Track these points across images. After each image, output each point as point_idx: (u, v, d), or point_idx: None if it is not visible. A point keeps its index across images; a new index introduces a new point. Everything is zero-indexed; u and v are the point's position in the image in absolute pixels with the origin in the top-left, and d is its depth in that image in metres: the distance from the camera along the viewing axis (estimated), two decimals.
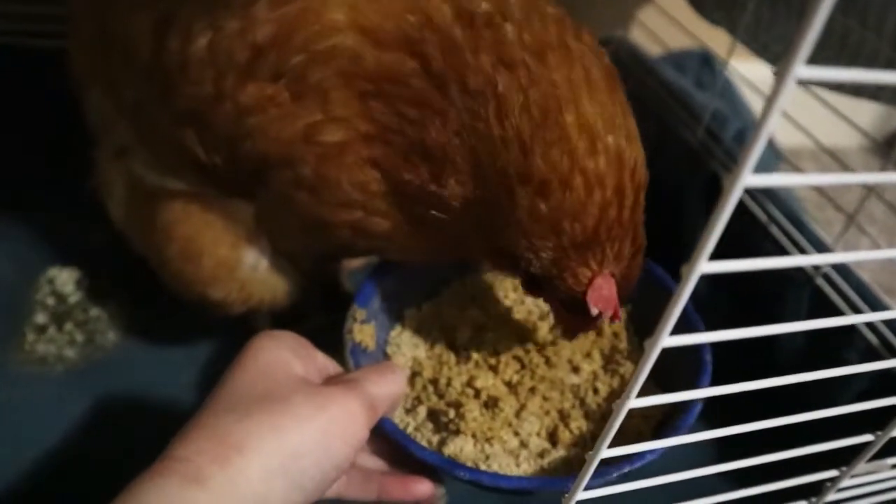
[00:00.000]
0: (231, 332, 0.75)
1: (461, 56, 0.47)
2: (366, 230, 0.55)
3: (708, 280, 0.80)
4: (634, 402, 0.31)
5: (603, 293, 0.49)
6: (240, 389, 0.43)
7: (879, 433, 0.45)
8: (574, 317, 0.53)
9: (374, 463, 0.54)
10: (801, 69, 0.22)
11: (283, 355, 0.46)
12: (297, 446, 0.40)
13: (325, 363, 0.51)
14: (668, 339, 0.28)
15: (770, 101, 0.22)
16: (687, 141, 0.85)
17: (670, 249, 0.60)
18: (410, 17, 0.48)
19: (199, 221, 0.62)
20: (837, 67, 0.24)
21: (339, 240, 0.57)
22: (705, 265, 0.26)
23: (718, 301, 0.76)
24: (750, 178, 0.24)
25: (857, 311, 0.66)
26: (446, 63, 0.47)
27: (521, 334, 0.63)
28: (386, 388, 0.48)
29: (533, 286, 0.53)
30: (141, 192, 0.64)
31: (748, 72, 0.83)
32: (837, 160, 0.71)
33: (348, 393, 0.44)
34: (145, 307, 0.81)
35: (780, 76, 0.22)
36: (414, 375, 0.61)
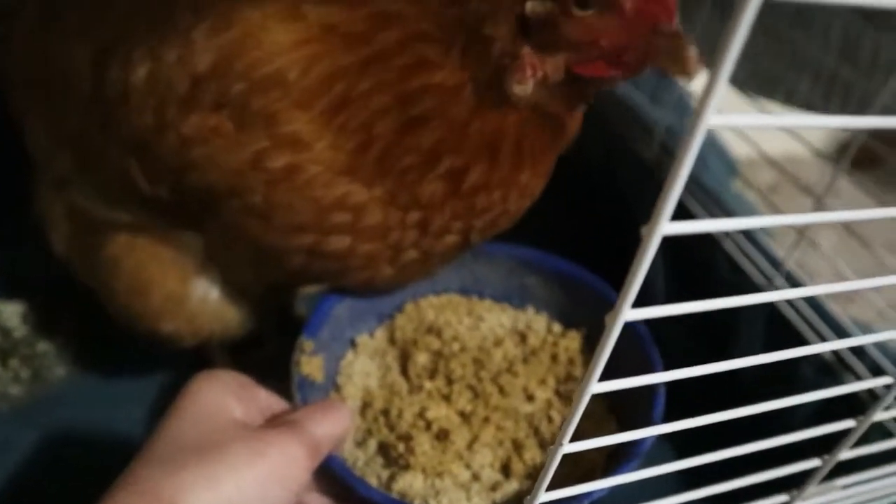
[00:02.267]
0: (184, 363, 0.73)
1: None
2: (321, 253, 0.54)
3: (665, 293, 0.80)
4: (568, 447, 0.31)
5: None
6: (175, 438, 0.42)
7: (826, 457, 0.45)
8: (600, 55, 0.46)
9: (320, 502, 0.53)
10: (713, 119, 0.21)
11: (221, 398, 0.45)
12: (233, 497, 0.39)
13: (268, 402, 0.50)
14: (596, 386, 0.27)
15: (683, 151, 0.22)
16: (641, 156, 0.85)
17: (623, 261, 0.59)
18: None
19: (145, 254, 0.61)
20: (751, 114, 0.23)
21: (294, 266, 0.56)
22: (630, 313, 0.25)
23: (675, 317, 0.76)
24: (668, 226, 0.23)
25: (811, 325, 0.66)
26: None
27: (477, 360, 0.62)
28: (330, 426, 0.47)
29: (539, 38, 0.47)
30: (84, 224, 0.62)
31: (696, 84, 0.83)
32: (788, 173, 0.71)
33: (289, 436, 0.43)
34: (94, 341, 0.79)
35: (691, 129, 0.21)
36: (365, 406, 0.60)
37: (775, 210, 0.76)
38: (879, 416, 0.43)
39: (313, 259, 0.55)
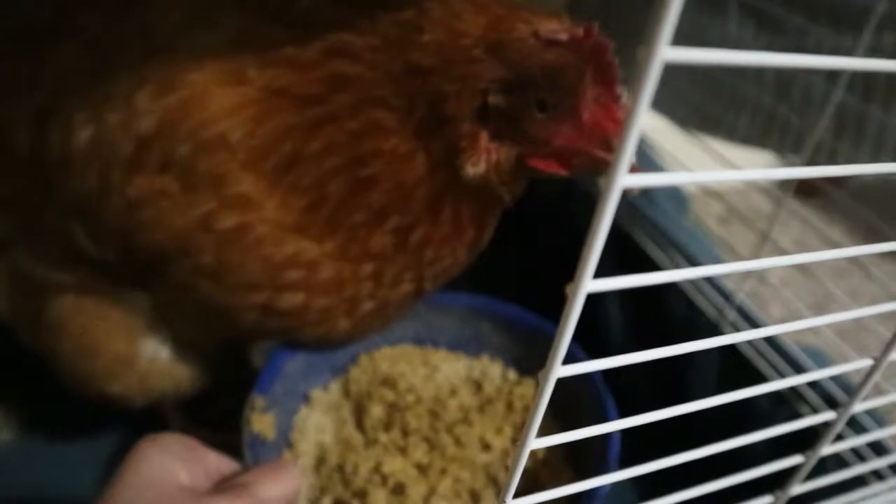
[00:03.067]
0: (136, 422, 0.71)
1: None
2: (275, 310, 0.54)
3: (621, 329, 0.80)
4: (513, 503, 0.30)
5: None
6: None
7: (779, 493, 0.45)
8: (564, 131, 0.48)
9: None
10: (627, 179, 0.22)
11: (167, 464, 0.44)
12: None
13: (217, 464, 0.48)
14: (534, 442, 0.27)
15: (599, 213, 0.22)
16: (593, 194, 0.86)
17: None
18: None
19: (92, 315, 0.60)
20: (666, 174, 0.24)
21: (247, 324, 0.55)
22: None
23: (629, 350, 0.76)
24: (591, 284, 0.23)
25: (763, 356, 0.67)
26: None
27: (432, 411, 0.61)
28: (280, 488, 0.46)
29: (497, 127, 0.49)
30: (27, 286, 0.61)
31: (644, 123, 0.84)
32: (731, 205, 0.72)
33: (236, 501, 0.42)
34: (42, 403, 0.77)
35: (604, 191, 0.21)
36: (320, 463, 0.59)
37: (727, 242, 0.77)
38: (828, 449, 0.43)
39: (267, 316, 0.55)
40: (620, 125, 0.46)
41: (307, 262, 0.52)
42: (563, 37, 0.44)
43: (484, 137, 0.49)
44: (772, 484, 0.45)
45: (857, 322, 0.37)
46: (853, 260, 1.05)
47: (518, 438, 0.60)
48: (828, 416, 0.40)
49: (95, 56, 0.52)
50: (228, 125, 0.49)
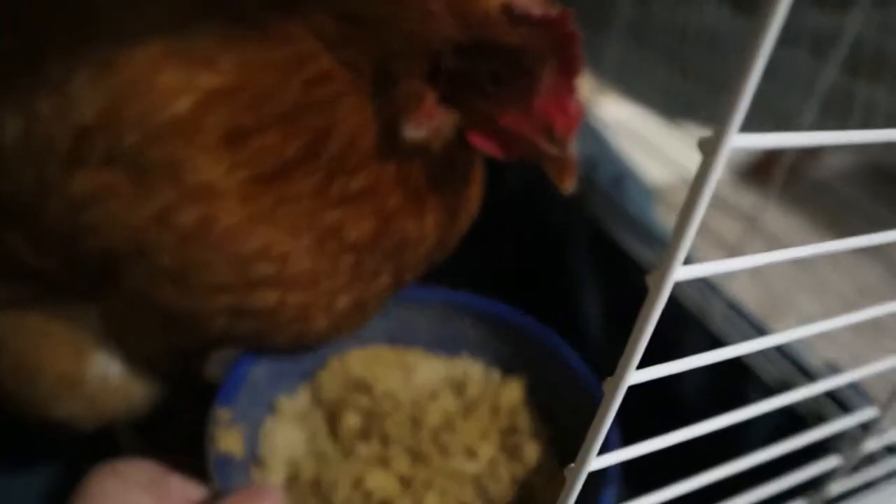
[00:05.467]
0: (86, 447, 0.65)
1: None
2: (247, 311, 0.49)
3: (602, 330, 0.78)
4: None
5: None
6: None
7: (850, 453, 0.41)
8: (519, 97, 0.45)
9: None
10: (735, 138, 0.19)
11: (126, 496, 0.39)
12: None
13: (184, 491, 0.44)
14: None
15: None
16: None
17: (555, 297, 0.56)
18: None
19: (32, 332, 0.54)
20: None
21: (214, 330, 0.51)
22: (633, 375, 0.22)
23: (614, 351, 0.74)
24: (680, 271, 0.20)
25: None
26: None
27: (413, 417, 0.57)
28: None
29: (448, 95, 0.46)
30: None
31: (611, 112, 0.83)
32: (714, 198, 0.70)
33: None
34: None
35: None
36: (292, 480, 0.54)
37: (704, 234, 0.75)
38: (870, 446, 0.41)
39: (237, 319, 0.50)
40: (571, 119, 0.44)
41: (280, 253, 0.48)
42: (536, 14, 0.41)
43: (430, 98, 0.46)
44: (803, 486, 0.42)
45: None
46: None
47: (507, 443, 0.56)
48: (868, 414, 0.38)
49: (21, 38, 0.47)
50: (180, 106, 0.44)
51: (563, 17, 0.41)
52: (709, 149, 0.18)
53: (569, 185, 0.44)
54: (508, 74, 0.44)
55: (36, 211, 0.46)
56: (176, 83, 0.44)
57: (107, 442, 0.63)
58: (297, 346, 0.57)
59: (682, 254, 0.21)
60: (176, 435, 0.65)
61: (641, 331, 0.21)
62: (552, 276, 0.80)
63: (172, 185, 0.44)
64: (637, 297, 0.71)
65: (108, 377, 0.56)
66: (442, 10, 0.42)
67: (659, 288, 0.20)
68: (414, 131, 0.46)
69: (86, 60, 0.44)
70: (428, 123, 0.46)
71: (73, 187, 0.45)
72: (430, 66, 0.45)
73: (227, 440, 0.52)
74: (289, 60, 0.45)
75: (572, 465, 0.25)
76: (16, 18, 0.47)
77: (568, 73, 0.44)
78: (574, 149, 0.44)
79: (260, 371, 0.58)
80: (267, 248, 0.47)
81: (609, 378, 0.23)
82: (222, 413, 0.53)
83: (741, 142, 0.18)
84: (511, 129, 0.46)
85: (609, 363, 0.63)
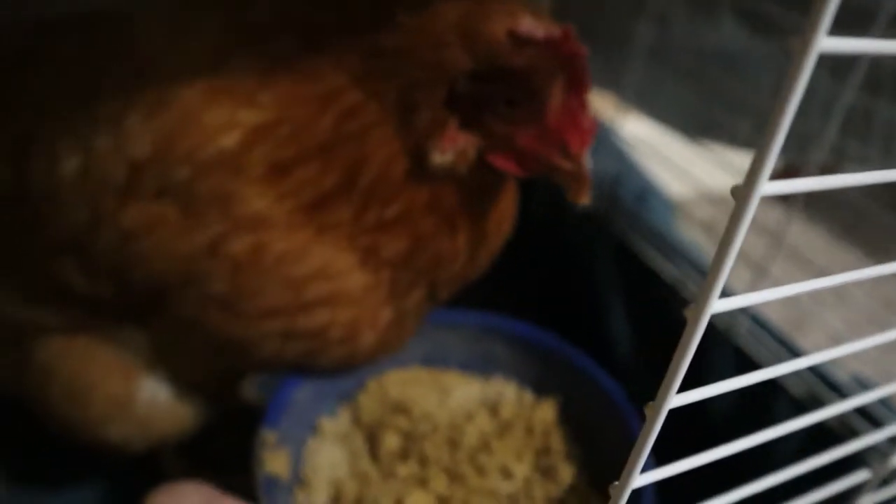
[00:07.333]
0: (132, 468, 0.67)
1: None
2: (298, 333, 0.51)
3: (630, 347, 0.79)
4: None
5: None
6: None
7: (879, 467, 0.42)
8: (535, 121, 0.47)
9: None
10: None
11: None
12: None
13: None
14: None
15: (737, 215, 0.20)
16: (588, 209, 0.84)
17: (582, 315, 0.57)
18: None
19: (83, 356, 0.56)
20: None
21: (264, 354, 0.52)
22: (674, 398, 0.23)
23: (642, 367, 0.75)
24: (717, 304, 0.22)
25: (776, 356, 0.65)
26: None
27: (450, 439, 0.59)
28: None
29: (468, 118, 0.48)
30: (8, 329, 0.57)
31: (634, 130, 0.84)
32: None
33: None
34: (32, 454, 0.72)
35: (751, 180, 0.20)
36: (335, 501, 0.55)
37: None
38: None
39: (288, 342, 0.51)
40: (584, 134, 0.45)
41: (336, 272, 0.50)
42: (540, 36, 0.43)
43: (453, 124, 0.47)
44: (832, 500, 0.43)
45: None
46: (838, 259, 1.06)
47: (540, 464, 0.58)
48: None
49: (77, 79, 0.49)
50: (227, 142, 0.46)
51: (566, 35, 0.43)
52: (741, 196, 0.20)
53: (584, 199, 0.46)
54: (521, 95, 0.46)
55: (89, 241, 0.48)
56: (221, 119, 0.46)
57: (150, 463, 0.65)
58: (343, 367, 0.59)
59: (718, 289, 0.22)
60: (216, 455, 0.67)
61: (681, 359, 0.23)
62: (579, 292, 0.81)
63: (222, 216, 0.46)
64: (659, 309, 0.72)
65: (157, 400, 0.57)
66: (454, 41, 0.44)
67: (697, 321, 0.22)
68: (440, 157, 0.47)
69: (138, 98, 0.46)
70: (452, 147, 0.47)
71: (126, 219, 0.47)
72: (449, 92, 0.46)
73: (274, 463, 0.54)
74: (321, 96, 0.47)
75: (616, 483, 0.27)
76: (78, 60, 0.49)
77: (577, 88, 0.45)
78: (588, 163, 0.46)
79: (302, 394, 0.60)
80: (323, 268, 0.49)
81: (651, 403, 0.24)
82: (268, 435, 0.55)
83: (770, 189, 0.20)
84: (528, 147, 0.47)
85: (635, 377, 0.64)
